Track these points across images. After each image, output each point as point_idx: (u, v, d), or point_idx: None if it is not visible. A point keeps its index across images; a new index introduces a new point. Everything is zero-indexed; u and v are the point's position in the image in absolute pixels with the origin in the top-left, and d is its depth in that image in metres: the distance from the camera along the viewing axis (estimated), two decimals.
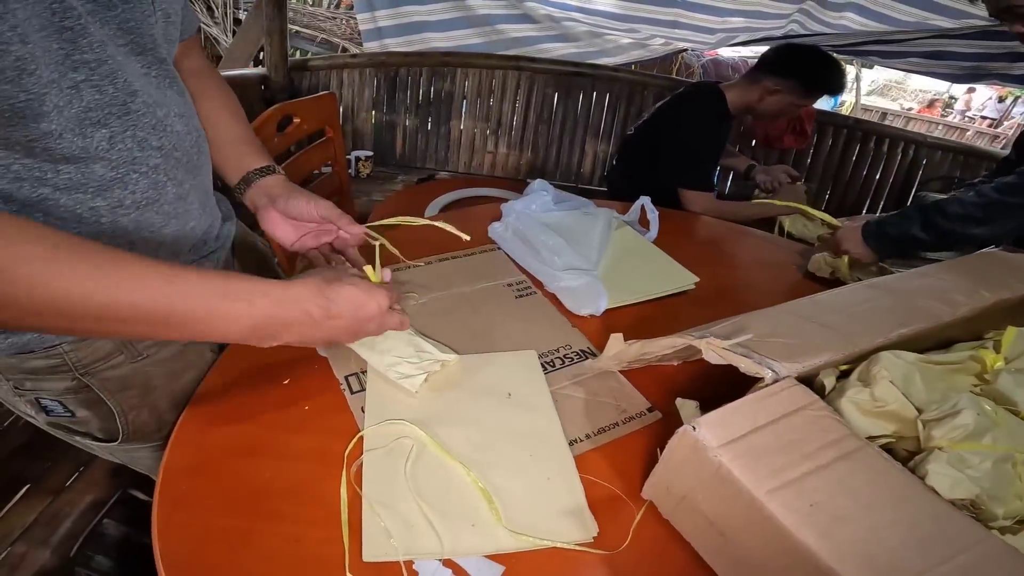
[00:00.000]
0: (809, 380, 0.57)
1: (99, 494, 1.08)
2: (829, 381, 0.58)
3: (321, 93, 1.59)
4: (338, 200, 1.85)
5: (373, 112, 2.88)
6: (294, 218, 0.73)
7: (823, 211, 1.22)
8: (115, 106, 0.58)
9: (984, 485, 0.45)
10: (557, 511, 0.56)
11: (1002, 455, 0.46)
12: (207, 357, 0.76)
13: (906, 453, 0.52)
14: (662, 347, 0.64)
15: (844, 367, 0.61)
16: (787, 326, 0.61)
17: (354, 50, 4.46)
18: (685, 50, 3.51)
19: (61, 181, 0.55)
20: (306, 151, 1.57)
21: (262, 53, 2.59)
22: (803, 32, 2.86)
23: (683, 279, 1.01)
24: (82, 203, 0.57)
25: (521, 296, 0.93)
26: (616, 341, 0.70)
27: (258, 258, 0.95)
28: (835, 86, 1.64)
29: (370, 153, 2.75)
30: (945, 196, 1.05)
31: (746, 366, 0.54)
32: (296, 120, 1.46)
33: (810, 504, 0.42)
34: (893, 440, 0.53)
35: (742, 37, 2.93)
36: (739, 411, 0.50)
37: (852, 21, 2.43)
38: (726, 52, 5.09)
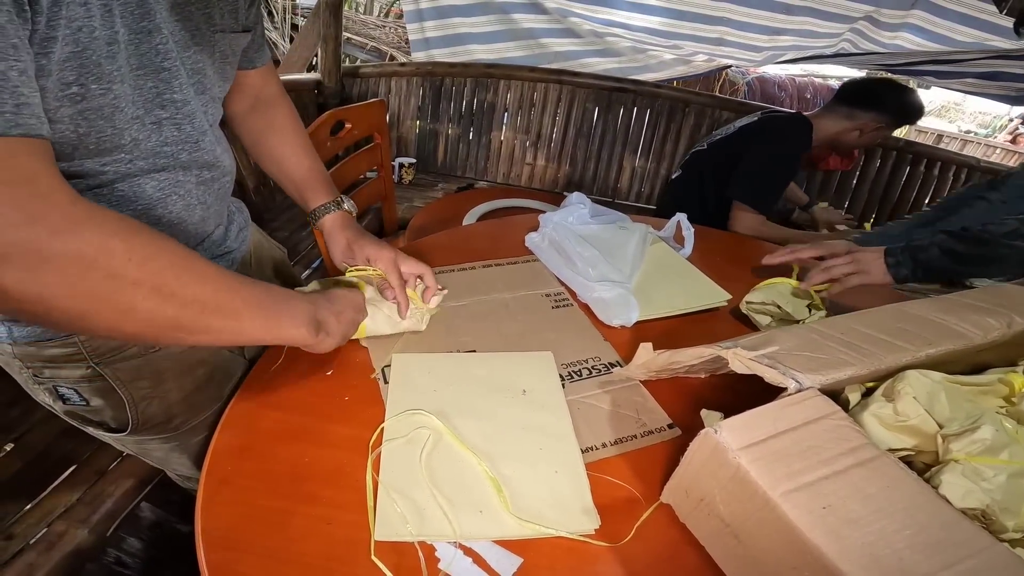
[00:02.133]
0: (834, 395, 0.60)
1: (141, 476, 1.11)
2: (854, 397, 0.60)
3: (371, 100, 1.67)
4: (383, 204, 1.94)
5: (418, 120, 2.98)
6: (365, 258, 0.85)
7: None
8: (189, 143, 0.65)
9: (996, 497, 0.46)
10: (562, 502, 0.60)
11: (1017, 470, 0.48)
12: (222, 354, 0.81)
13: (923, 466, 0.54)
14: (690, 357, 0.67)
15: (870, 384, 0.62)
16: (814, 342, 0.63)
17: (401, 58, 4.61)
18: (729, 67, 3.52)
19: (115, 197, 0.60)
20: (354, 156, 1.65)
21: (316, 59, 2.72)
22: (854, 51, 2.84)
23: (716, 296, 1.03)
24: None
25: (558, 307, 0.97)
26: (645, 350, 0.73)
27: (275, 262, 1.02)
28: (918, 117, 1.67)
29: (413, 160, 2.85)
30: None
31: (770, 376, 0.57)
32: (348, 125, 1.54)
33: (823, 507, 0.45)
34: (912, 453, 0.55)
35: (790, 55, 2.92)
36: (761, 417, 0.52)
37: (907, 41, 2.40)
38: (771, 69, 5.06)
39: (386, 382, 0.76)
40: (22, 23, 0.42)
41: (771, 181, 1.70)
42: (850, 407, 0.59)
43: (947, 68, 2.56)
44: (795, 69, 5.24)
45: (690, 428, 0.70)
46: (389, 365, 0.78)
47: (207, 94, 0.69)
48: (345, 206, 0.90)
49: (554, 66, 2.93)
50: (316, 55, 2.72)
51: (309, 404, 0.72)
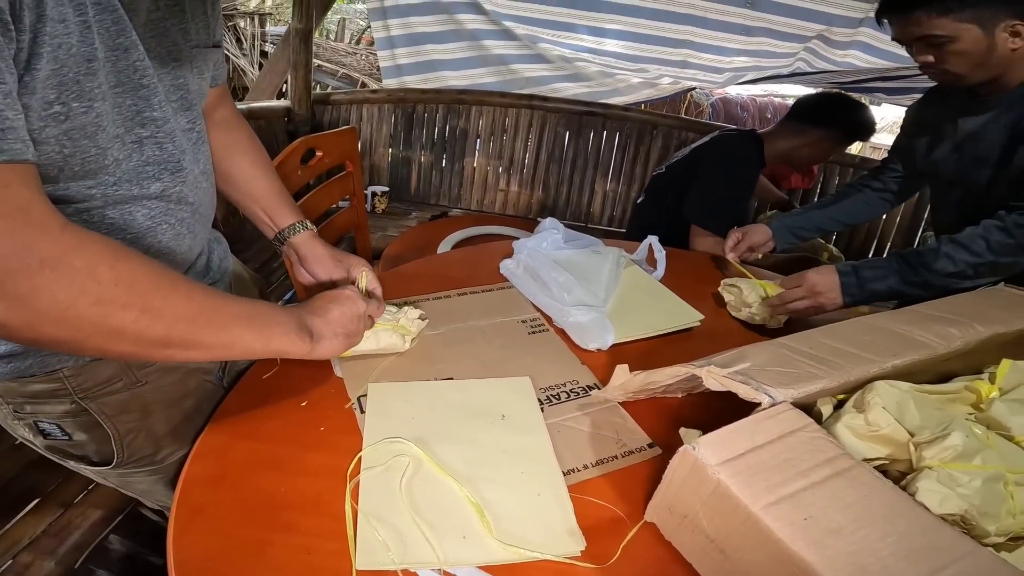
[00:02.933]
0: (807, 409, 0.61)
1: (109, 509, 1.10)
2: (826, 409, 0.62)
3: (343, 128, 1.68)
4: (356, 234, 1.93)
5: (390, 148, 3.00)
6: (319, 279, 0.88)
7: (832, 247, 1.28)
8: (171, 163, 0.64)
9: (974, 502, 0.48)
10: (547, 525, 0.60)
11: (992, 474, 0.50)
12: (207, 386, 0.80)
13: (898, 474, 0.55)
14: (666, 377, 0.68)
15: (841, 396, 0.64)
16: (784, 357, 0.65)
17: (373, 85, 4.65)
18: (694, 89, 3.63)
19: (105, 224, 0.59)
20: (326, 185, 1.65)
21: (286, 86, 2.73)
22: (809, 70, 2.96)
23: (689, 316, 1.05)
24: None
25: (534, 332, 0.98)
26: (622, 372, 0.74)
27: (248, 287, 1.01)
28: (869, 133, 1.70)
29: (386, 188, 2.86)
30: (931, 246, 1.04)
31: (744, 392, 0.58)
32: (318, 154, 1.54)
33: (804, 518, 0.46)
34: (887, 462, 0.57)
35: (751, 75, 3.03)
36: (737, 432, 0.53)
37: (857, 58, 2.52)
38: (733, 90, 5.23)
39: (362, 411, 0.75)
40: (6, 42, 0.41)
41: (724, 201, 1.70)
42: (823, 419, 0.61)
43: (895, 84, 2.69)
44: (756, 89, 5.42)
45: (670, 446, 0.69)
46: (365, 395, 0.78)
47: (193, 110, 0.69)
48: (310, 226, 0.91)
49: (525, 91, 3.00)
50: (286, 82, 2.73)
51: (284, 434, 0.71)
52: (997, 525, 0.49)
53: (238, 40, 5.17)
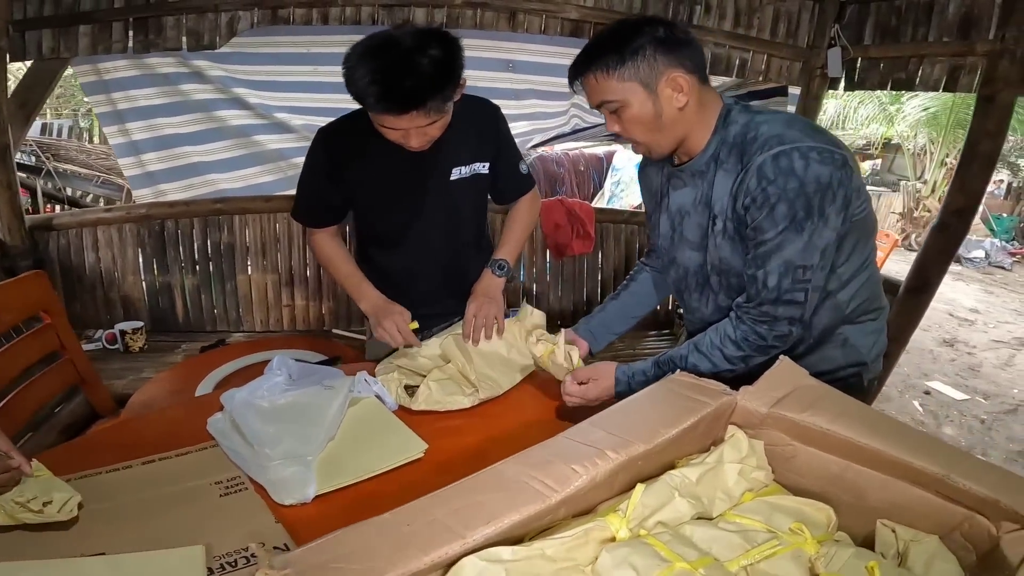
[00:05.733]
0: None
1: None
2: None
3: (24, 274, 1.45)
4: (84, 389, 1.66)
5: (143, 274, 2.68)
6: None
7: None
8: None
9: None
10: None
11: None
12: None
13: None
14: None
15: None
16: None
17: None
18: None
19: None
20: (13, 345, 1.39)
21: None
22: (585, 125, 3.27)
23: (413, 447, 1.04)
24: None
25: (228, 493, 0.92)
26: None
27: None
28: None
29: (139, 324, 2.51)
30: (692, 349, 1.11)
31: None
32: None
33: None
34: None
35: (537, 138, 3.27)
36: None
37: None
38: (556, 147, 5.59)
39: None
40: None
41: None
42: None
43: None
44: (570, 145, 5.84)
45: None
46: None
47: None
48: None
49: (294, 192, 2.89)
50: None
51: None
52: None
53: None
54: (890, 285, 2.30)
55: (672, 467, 0.76)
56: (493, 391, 1.22)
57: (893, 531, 0.70)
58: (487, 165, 1.42)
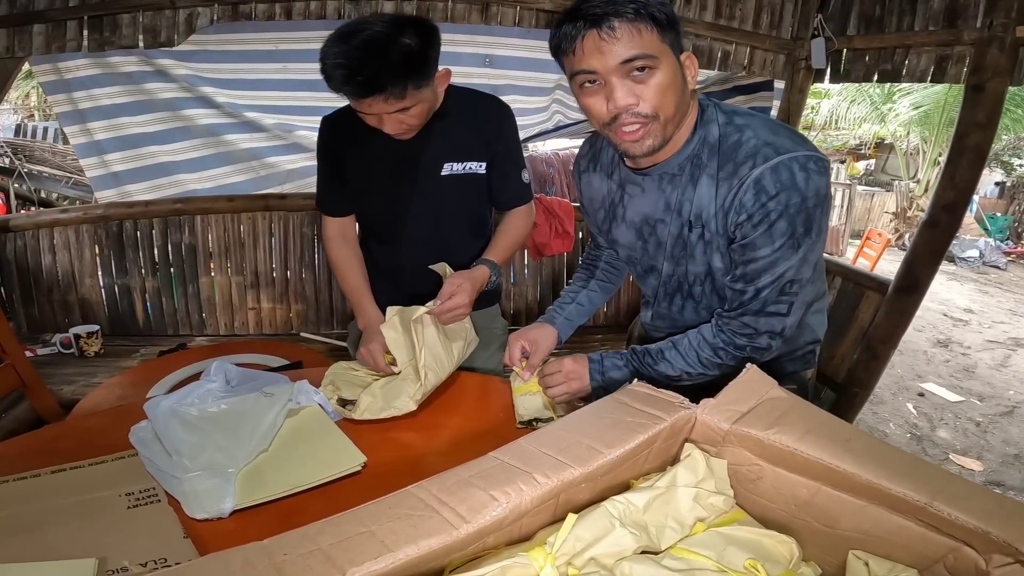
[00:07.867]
0: None
1: None
2: None
3: None
4: (27, 395, 1.61)
5: (101, 277, 2.59)
6: None
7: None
8: None
9: None
10: None
11: None
12: None
13: None
14: None
15: None
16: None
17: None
18: None
19: None
20: None
21: None
22: (568, 121, 3.19)
23: (350, 460, 0.96)
24: None
25: (137, 505, 0.85)
26: None
27: None
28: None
29: (94, 328, 2.43)
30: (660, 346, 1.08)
31: None
32: None
33: None
34: None
35: (520, 135, 3.21)
36: None
37: None
38: (538, 148, 5.55)
39: None
40: None
41: None
42: None
43: None
44: (560, 143, 5.78)
45: None
46: None
47: None
48: None
49: (260, 192, 2.81)
50: None
51: None
52: None
53: None
54: (880, 285, 2.24)
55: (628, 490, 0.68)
56: (438, 374, 1.17)
57: (866, 564, 0.62)
58: (484, 165, 1.38)
